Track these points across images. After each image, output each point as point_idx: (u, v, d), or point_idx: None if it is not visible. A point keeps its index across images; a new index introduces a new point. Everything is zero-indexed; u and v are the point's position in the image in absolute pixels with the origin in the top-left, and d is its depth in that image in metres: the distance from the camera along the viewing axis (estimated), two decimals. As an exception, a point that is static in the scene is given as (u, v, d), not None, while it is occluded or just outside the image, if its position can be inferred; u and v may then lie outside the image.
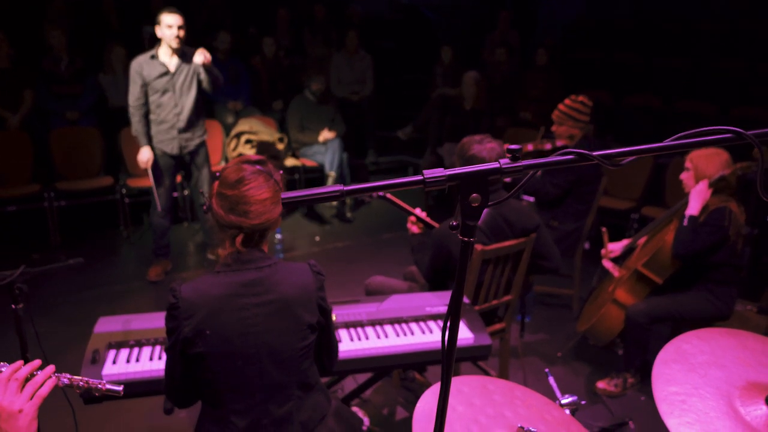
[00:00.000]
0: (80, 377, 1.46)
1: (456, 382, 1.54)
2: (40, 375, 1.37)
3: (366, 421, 3.11)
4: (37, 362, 1.39)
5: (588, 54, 8.20)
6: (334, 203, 6.07)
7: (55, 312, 4.22)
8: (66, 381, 1.44)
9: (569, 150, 1.00)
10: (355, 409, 3.11)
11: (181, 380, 1.77)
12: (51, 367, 1.40)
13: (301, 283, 1.77)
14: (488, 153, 2.81)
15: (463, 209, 1.00)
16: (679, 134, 1.05)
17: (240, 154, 5.97)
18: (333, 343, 1.96)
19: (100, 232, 5.76)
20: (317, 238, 5.75)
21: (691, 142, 1.03)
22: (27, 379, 1.35)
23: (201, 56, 4.21)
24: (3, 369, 1.37)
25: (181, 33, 4.23)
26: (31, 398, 1.32)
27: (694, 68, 7.12)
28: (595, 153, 1.00)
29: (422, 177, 0.97)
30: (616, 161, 1.02)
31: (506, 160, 0.98)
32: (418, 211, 3.22)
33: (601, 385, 3.44)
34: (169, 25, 4.18)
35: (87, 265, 5.09)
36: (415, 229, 3.23)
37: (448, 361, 1.07)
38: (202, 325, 1.66)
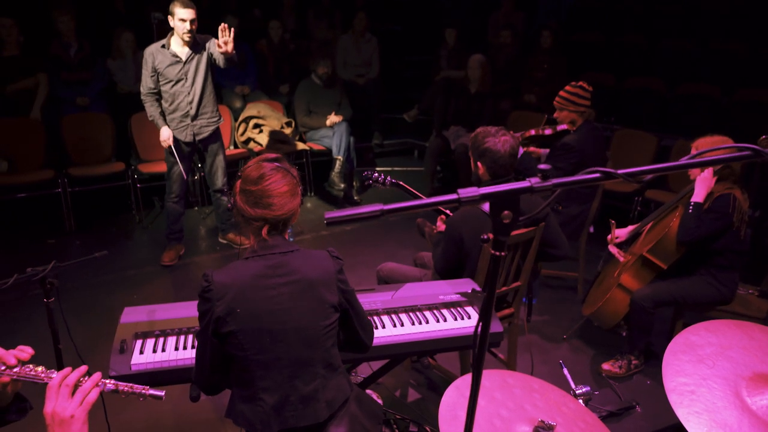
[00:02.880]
0: (125, 383, 1.53)
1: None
2: (89, 381, 1.43)
3: (380, 403, 3.21)
4: (84, 368, 1.46)
5: (591, 36, 8.19)
6: (342, 185, 6.11)
7: (72, 297, 4.29)
8: (112, 387, 1.49)
9: (596, 168, 1.06)
10: (368, 391, 3.21)
11: (211, 365, 1.87)
12: (98, 374, 1.46)
13: (321, 266, 1.91)
14: (502, 146, 2.87)
15: (495, 225, 1.07)
16: (696, 152, 1.11)
17: (249, 138, 6.01)
18: (365, 321, 2.10)
19: (113, 217, 5.84)
20: (326, 222, 5.82)
21: (708, 160, 1.10)
22: (76, 385, 1.42)
23: (223, 47, 4.13)
24: (53, 376, 1.44)
25: (194, 26, 4.24)
26: (81, 404, 1.39)
27: (698, 50, 7.13)
28: (619, 171, 1.06)
29: (457, 196, 1.03)
30: (639, 178, 1.09)
31: (536, 179, 1.05)
32: (448, 212, 3.29)
33: (606, 366, 3.54)
34: (182, 19, 4.18)
35: (101, 249, 5.17)
36: (443, 227, 3.29)
37: (479, 363, 1.15)
38: (233, 304, 1.78)
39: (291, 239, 2.33)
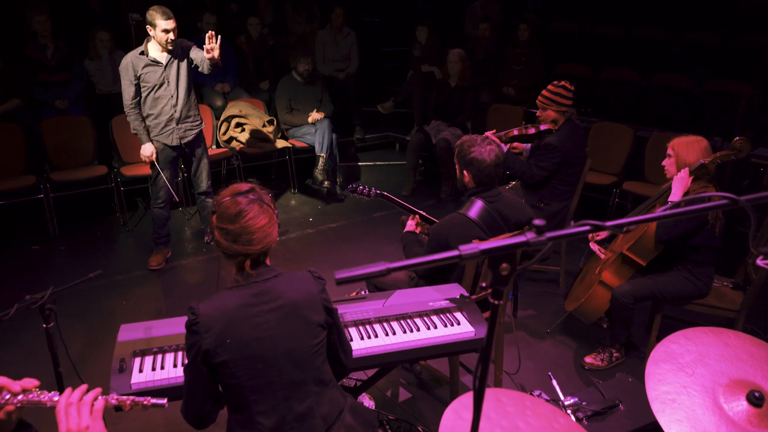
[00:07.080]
0: (126, 396, 1.59)
1: (471, 398, 1.70)
2: (90, 394, 1.51)
3: (371, 404, 3.30)
4: (84, 387, 1.52)
5: (566, 26, 8.27)
6: (326, 182, 6.12)
7: (63, 304, 4.14)
8: (114, 402, 1.56)
9: (586, 222, 1.14)
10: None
11: (203, 394, 1.89)
12: (98, 390, 1.53)
13: (304, 288, 1.96)
14: (488, 155, 2.94)
15: (494, 276, 1.14)
16: (677, 201, 1.19)
17: (231, 137, 6.02)
18: (345, 340, 2.15)
19: (97, 220, 5.81)
20: (311, 219, 5.87)
21: (687, 210, 1.18)
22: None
23: (211, 53, 4.16)
24: (56, 399, 1.50)
25: (175, 35, 4.25)
26: (91, 414, 1.46)
27: (670, 41, 7.24)
28: (608, 223, 1.14)
29: (459, 252, 1.10)
30: (627, 228, 1.17)
31: (532, 234, 1.12)
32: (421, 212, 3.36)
33: (588, 360, 3.67)
34: (165, 30, 4.19)
35: (87, 254, 5.13)
36: (415, 228, 3.36)
37: (479, 401, 1.23)
38: (223, 335, 1.81)
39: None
